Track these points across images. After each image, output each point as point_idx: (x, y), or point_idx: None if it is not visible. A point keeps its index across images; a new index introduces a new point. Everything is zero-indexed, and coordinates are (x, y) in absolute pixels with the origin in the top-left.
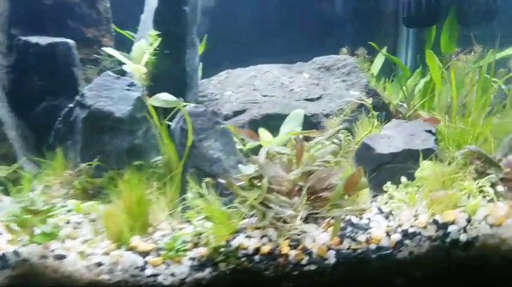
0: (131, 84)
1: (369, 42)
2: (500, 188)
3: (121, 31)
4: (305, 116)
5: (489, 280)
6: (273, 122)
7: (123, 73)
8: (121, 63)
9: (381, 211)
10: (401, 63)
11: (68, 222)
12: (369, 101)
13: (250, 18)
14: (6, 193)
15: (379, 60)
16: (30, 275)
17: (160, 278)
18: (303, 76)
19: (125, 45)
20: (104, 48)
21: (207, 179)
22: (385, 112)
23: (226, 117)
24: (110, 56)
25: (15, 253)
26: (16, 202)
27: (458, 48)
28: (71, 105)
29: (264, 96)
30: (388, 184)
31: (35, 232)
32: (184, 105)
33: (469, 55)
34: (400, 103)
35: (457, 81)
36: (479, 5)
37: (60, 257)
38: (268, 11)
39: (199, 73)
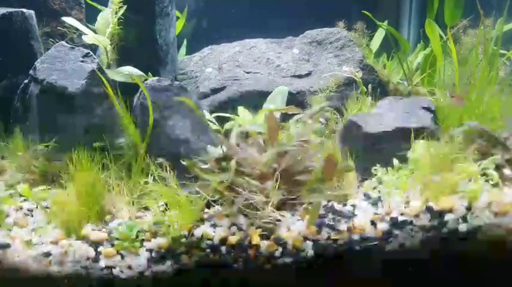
0: (86, 55)
1: (364, 12)
2: (507, 171)
3: (91, 3)
4: (290, 93)
5: (493, 277)
6: (255, 101)
7: (94, 49)
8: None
9: (368, 197)
10: (402, 37)
11: (20, 208)
12: (358, 75)
13: None
14: None
15: (378, 35)
16: None
17: (116, 271)
18: (292, 51)
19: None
20: (64, 18)
21: (161, 160)
22: (379, 89)
23: (204, 95)
24: (78, 29)
25: None
26: None
27: (466, 22)
28: (25, 81)
29: (248, 73)
30: (378, 166)
31: None
32: (146, 80)
33: (476, 28)
34: (401, 80)
35: (463, 56)
36: None
37: (4, 246)
38: None
39: (184, 50)
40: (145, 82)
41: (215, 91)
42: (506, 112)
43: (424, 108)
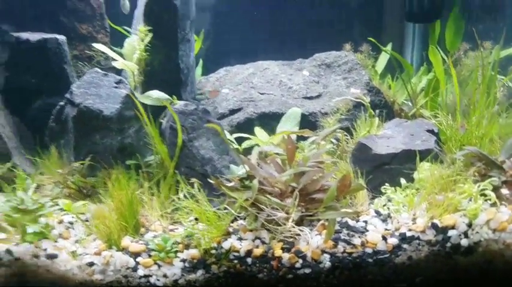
0: (119, 82)
1: (370, 39)
2: (504, 191)
3: (116, 27)
4: (303, 114)
5: (493, 285)
6: (269, 121)
7: (119, 71)
8: (114, 59)
9: (378, 214)
10: (405, 60)
11: (60, 222)
12: (366, 99)
13: (252, 15)
14: (1, 191)
15: (383, 58)
16: (23, 274)
17: (152, 279)
18: (303, 73)
19: (121, 40)
20: (94, 45)
21: (194, 180)
22: (386, 111)
23: (223, 116)
24: (104, 52)
25: (8, 251)
26: (6, 200)
27: (466, 45)
28: (61, 103)
29: (262, 94)
30: (387, 185)
31: (27, 231)
32: (175, 104)
33: (476, 51)
34: (405, 101)
35: (464, 79)
36: (483, 4)
37: (52, 256)
38: (273, 6)
39: (200, 70)
40: (174, 107)
41: (233, 112)
42: (502, 135)
43: (428, 131)
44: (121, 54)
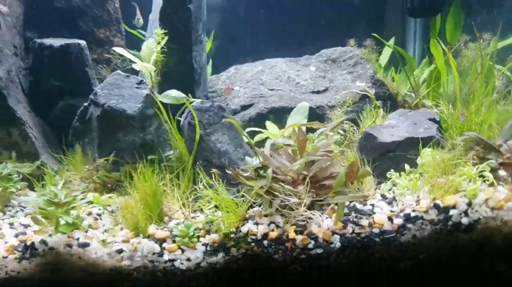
0: (140, 82)
1: (373, 34)
2: (502, 172)
3: (131, 30)
4: (311, 108)
5: (491, 260)
6: (279, 115)
7: (135, 71)
8: (130, 61)
9: (384, 197)
10: (407, 54)
11: (89, 213)
12: (371, 92)
13: (259, 16)
14: (31, 188)
15: (386, 51)
16: (57, 263)
17: (177, 263)
18: (310, 69)
19: (136, 43)
20: (114, 48)
21: (214, 170)
22: (390, 102)
23: (235, 112)
24: (121, 55)
25: (43, 242)
26: (40, 195)
27: (466, 37)
28: (85, 103)
29: (271, 90)
30: (392, 171)
31: (60, 222)
32: (191, 102)
33: (476, 42)
34: (408, 93)
35: (464, 69)
36: None
37: (84, 245)
38: (279, 6)
39: (209, 69)
40: (192, 104)
41: (244, 108)
42: (500, 121)
43: (430, 119)
44: (139, 57)
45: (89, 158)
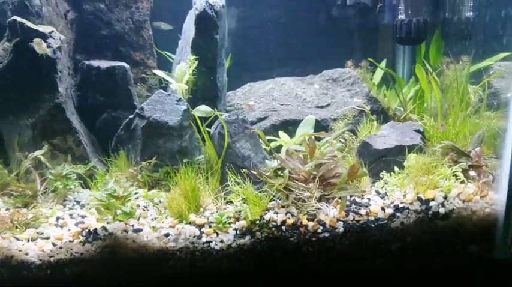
0: (179, 100)
1: (368, 59)
2: (471, 172)
3: (162, 52)
4: (316, 121)
5: (464, 243)
6: (289, 127)
7: (164, 88)
8: (162, 80)
9: (378, 193)
10: (396, 74)
11: (138, 205)
12: (367, 108)
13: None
14: (84, 186)
15: (379, 72)
16: (115, 246)
17: (212, 244)
18: (314, 87)
19: (163, 63)
20: (154, 71)
21: (244, 170)
22: (382, 116)
23: (252, 123)
24: (154, 74)
25: (104, 228)
26: (102, 190)
27: (448, 59)
28: (131, 116)
29: (282, 105)
30: (384, 172)
31: (117, 212)
32: (220, 115)
33: (456, 64)
34: (398, 107)
35: (445, 87)
36: (457, 28)
37: (138, 230)
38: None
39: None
40: (222, 117)
41: (260, 120)
42: (473, 131)
43: (415, 130)
44: (172, 77)
45: (132, 161)
